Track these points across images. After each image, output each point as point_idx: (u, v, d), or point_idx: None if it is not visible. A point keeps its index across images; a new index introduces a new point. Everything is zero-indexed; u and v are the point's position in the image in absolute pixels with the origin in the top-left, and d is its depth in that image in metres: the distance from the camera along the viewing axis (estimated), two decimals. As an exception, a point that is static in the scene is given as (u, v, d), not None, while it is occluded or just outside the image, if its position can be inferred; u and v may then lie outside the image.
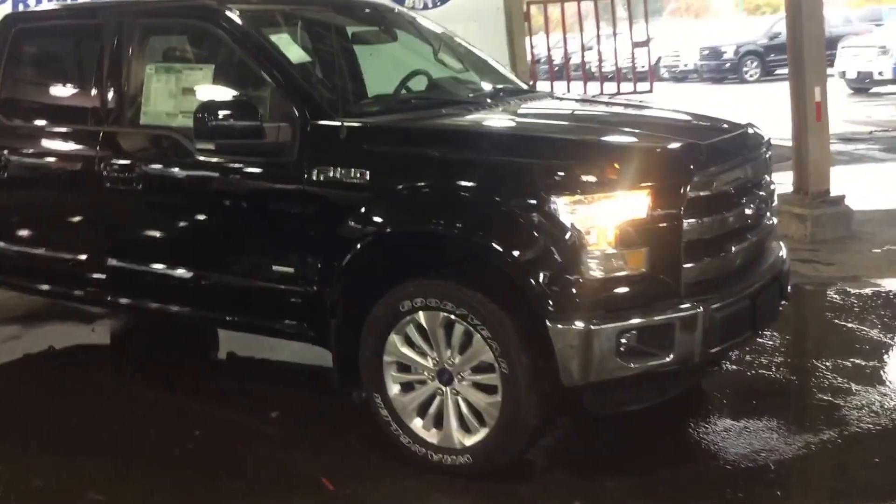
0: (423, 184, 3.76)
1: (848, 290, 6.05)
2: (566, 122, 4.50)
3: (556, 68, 15.12)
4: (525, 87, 5.28)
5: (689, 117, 4.65)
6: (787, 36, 7.76)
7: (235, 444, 4.28)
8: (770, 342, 5.15)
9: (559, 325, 3.48)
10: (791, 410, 4.39)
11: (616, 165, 3.58)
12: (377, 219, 3.81)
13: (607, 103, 4.83)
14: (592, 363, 3.50)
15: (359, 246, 3.83)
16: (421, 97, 4.59)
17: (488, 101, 4.65)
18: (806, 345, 5.20)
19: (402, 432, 3.90)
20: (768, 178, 4.32)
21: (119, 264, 4.66)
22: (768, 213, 4.28)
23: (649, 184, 3.54)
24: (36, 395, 5.01)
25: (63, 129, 4.88)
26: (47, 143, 4.93)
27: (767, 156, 4.35)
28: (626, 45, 13.68)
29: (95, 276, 4.76)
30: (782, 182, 8.21)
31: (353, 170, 3.86)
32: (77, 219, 4.86)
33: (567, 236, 3.48)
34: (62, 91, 5.02)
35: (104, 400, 4.89)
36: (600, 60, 13.52)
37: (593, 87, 13.23)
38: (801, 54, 7.32)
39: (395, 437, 3.91)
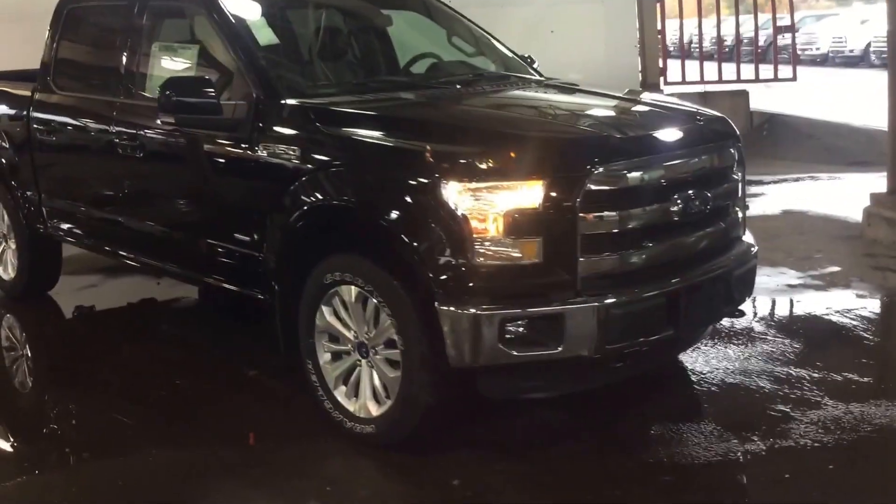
0: (337, 162, 3.93)
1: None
2: (498, 111, 4.46)
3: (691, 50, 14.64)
4: (529, 74, 5.27)
5: (649, 108, 4.52)
6: (888, 30, 7.24)
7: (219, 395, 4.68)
8: (767, 346, 4.97)
9: (445, 308, 3.56)
10: (737, 417, 4.24)
11: (509, 154, 3.61)
12: (303, 195, 4.00)
13: (590, 94, 4.74)
14: (475, 347, 3.55)
15: (292, 219, 4.05)
16: (382, 81, 4.73)
17: (457, 86, 4.71)
18: (803, 352, 4.94)
19: (327, 398, 4.10)
20: (730, 174, 4.18)
21: (124, 222, 5.14)
22: (727, 210, 4.15)
23: (543, 175, 3.54)
24: (104, 340, 5.62)
25: (93, 100, 5.37)
26: (82, 113, 5.42)
27: (731, 150, 4.21)
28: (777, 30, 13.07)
29: (111, 232, 5.27)
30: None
31: (287, 146, 4.09)
32: (102, 181, 5.36)
33: (457, 222, 3.54)
34: (96, 66, 5.52)
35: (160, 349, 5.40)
36: (738, 41, 12.92)
37: (729, 71, 12.67)
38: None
39: (321, 402, 4.12)
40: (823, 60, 25.99)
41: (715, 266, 4.02)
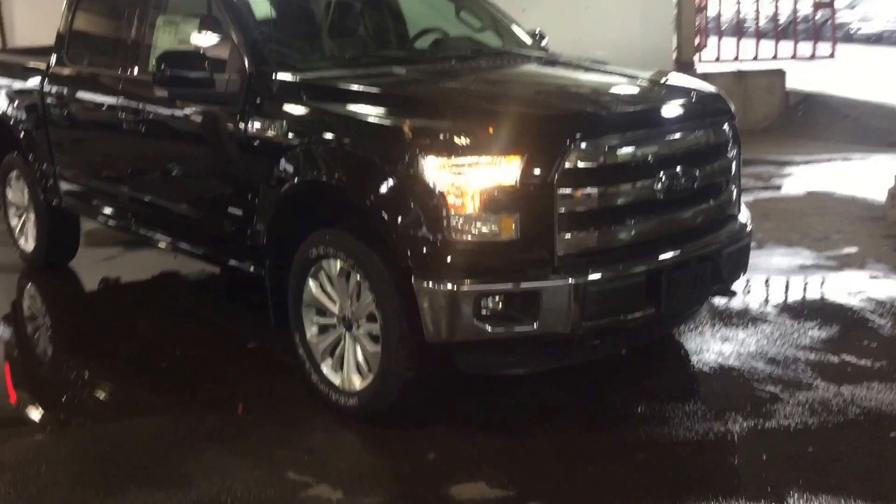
0: (321, 137, 3.95)
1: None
2: (484, 87, 4.41)
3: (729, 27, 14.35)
4: (533, 51, 5.23)
5: (642, 84, 4.46)
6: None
7: (217, 366, 4.76)
8: (768, 327, 4.93)
9: (422, 283, 3.58)
10: (724, 398, 4.21)
11: (485, 130, 3.60)
12: (290, 169, 4.03)
13: (588, 69, 4.69)
14: (451, 323, 3.57)
15: (280, 194, 4.10)
16: (377, 56, 4.73)
17: (452, 62, 4.70)
18: (804, 333, 4.87)
19: (314, 371, 4.15)
20: (722, 152, 4.13)
21: (129, 195, 5.25)
22: (717, 188, 4.10)
23: (519, 151, 3.54)
24: (118, 311, 5.75)
25: (101, 73, 5.45)
26: (90, 86, 5.50)
27: (723, 128, 4.15)
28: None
29: (117, 205, 5.37)
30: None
31: (275, 121, 4.13)
32: (109, 155, 5.45)
33: (434, 197, 3.55)
34: (105, 39, 5.59)
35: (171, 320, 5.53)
36: (776, 18, 12.65)
37: (766, 48, 12.42)
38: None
39: (308, 375, 4.17)
40: (878, 39, 25.32)
41: (702, 244, 3.98)
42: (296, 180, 4.02)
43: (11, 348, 5.27)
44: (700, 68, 11.80)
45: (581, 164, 3.59)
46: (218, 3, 4.56)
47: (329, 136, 3.93)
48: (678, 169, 3.85)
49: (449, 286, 3.55)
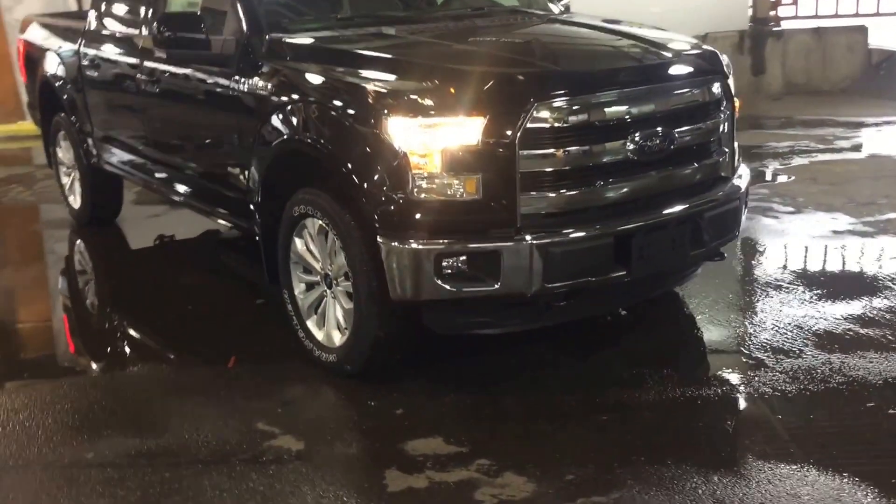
0: (301, 97, 4.02)
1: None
2: (461, 46, 4.32)
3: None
4: (543, 10, 5.18)
5: (630, 42, 4.35)
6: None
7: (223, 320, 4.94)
8: (780, 294, 4.81)
9: (386, 242, 3.64)
10: (708, 363, 4.15)
11: (448, 90, 3.61)
12: (274, 129, 4.12)
13: (585, 27, 4.60)
14: (413, 281, 3.62)
15: (269, 153, 4.19)
16: (372, 15, 4.74)
17: (447, 22, 4.69)
18: (813, 300, 4.73)
19: (300, 328, 4.26)
20: (710, 112, 4.03)
21: (148, 154, 5.46)
22: (702, 150, 4.01)
23: (481, 110, 3.53)
24: (152, 266, 6.03)
25: (123, 35, 5.63)
26: (115, 48, 5.69)
27: (710, 87, 4.05)
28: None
29: (140, 163, 5.58)
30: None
31: (264, 82, 4.21)
32: (131, 115, 5.64)
33: (398, 157, 3.59)
34: (132, 3, 5.74)
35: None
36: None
37: (848, 3, 11.83)
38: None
39: (295, 331, 4.29)
40: None
41: (682, 207, 3.90)
42: (279, 140, 4.11)
43: (37, 298, 5.57)
44: (776, 25, 11.38)
45: (543, 125, 3.57)
46: None
47: (306, 96, 4.00)
48: (654, 130, 3.77)
49: (411, 245, 3.59)
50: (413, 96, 3.63)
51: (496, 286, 3.60)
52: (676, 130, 3.84)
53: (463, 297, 3.65)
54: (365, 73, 3.87)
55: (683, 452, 3.41)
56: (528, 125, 3.54)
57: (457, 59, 3.97)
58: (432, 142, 3.55)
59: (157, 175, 5.47)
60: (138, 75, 5.26)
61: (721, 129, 4.10)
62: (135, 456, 3.56)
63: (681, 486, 3.20)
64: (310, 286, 4.24)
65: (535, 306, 3.85)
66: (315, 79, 4.03)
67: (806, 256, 5.52)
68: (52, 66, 6.56)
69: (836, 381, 3.88)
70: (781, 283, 4.99)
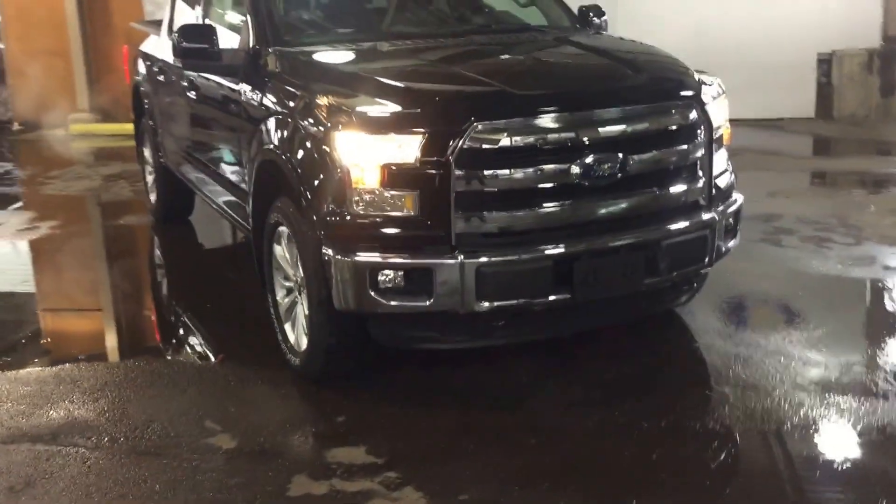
0: (280, 109, 4.19)
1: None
2: (425, 65, 4.35)
3: None
4: (559, 30, 5.17)
5: (604, 63, 4.30)
6: None
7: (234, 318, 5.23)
8: (793, 330, 4.60)
9: (328, 253, 3.76)
10: (667, 395, 4.02)
11: (389, 108, 3.68)
12: (259, 140, 4.31)
13: (578, 46, 4.57)
14: (351, 293, 3.72)
15: (257, 161, 4.39)
16: (369, 31, 4.84)
17: (443, 39, 4.74)
18: (826, 337, 4.48)
19: (279, 330, 4.43)
20: (675, 137, 3.93)
21: (186, 158, 5.78)
22: (669, 175, 3.91)
23: (419, 129, 3.59)
24: (198, 264, 6.43)
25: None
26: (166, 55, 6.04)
27: (675, 112, 3.93)
28: None
29: (184, 167, 5.95)
30: None
31: (260, 93, 4.41)
32: (177, 119, 6.04)
33: (340, 172, 3.70)
34: (187, 10, 6.08)
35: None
36: None
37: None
38: None
39: (276, 334, 4.47)
40: None
41: (635, 233, 3.82)
42: (262, 148, 4.29)
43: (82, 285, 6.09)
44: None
45: (480, 146, 3.59)
46: None
47: (284, 108, 4.17)
48: (602, 156, 3.71)
49: (349, 257, 3.69)
50: (357, 112, 3.72)
51: (428, 302, 3.65)
52: (629, 157, 3.77)
53: (396, 311, 3.72)
54: (326, 87, 4.01)
55: (592, 482, 3.36)
56: (465, 145, 3.56)
57: (410, 77, 4.02)
58: (373, 158, 3.64)
59: (190, 175, 5.82)
60: (177, 82, 5.60)
61: (691, 155, 3.97)
62: (74, 435, 3.82)
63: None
64: (288, 291, 4.41)
65: (480, 324, 3.86)
66: (291, 91, 4.19)
67: (838, 288, 5.23)
68: (138, 71, 7.05)
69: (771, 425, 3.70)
70: (796, 320, 4.76)
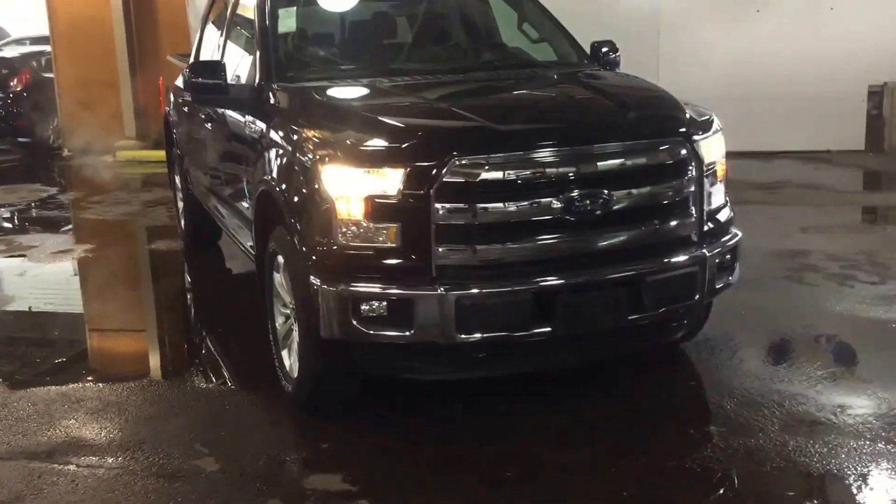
0: (278, 142, 4.29)
1: None
2: (414, 101, 4.41)
3: None
4: (563, 66, 5.21)
5: (591, 98, 4.33)
6: None
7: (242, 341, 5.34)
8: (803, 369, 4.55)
9: (314, 282, 3.83)
10: (661, 434, 3.99)
11: (371, 142, 3.75)
12: (262, 168, 4.41)
13: (575, 83, 4.62)
14: (336, 322, 3.77)
15: (258, 192, 4.50)
16: (371, 67, 4.92)
17: (441, 75, 4.82)
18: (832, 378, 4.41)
19: (277, 357, 4.51)
20: (663, 174, 3.93)
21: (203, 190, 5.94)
22: (657, 211, 3.92)
23: (400, 163, 3.65)
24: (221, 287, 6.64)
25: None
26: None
27: (664, 149, 3.94)
28: None
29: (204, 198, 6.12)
30: None
31: (263, 127, 4.52)
32: (196, 149, 6.23)
33: (326, 203, 3.78)
34: (209, 46, 6.27)
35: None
36: None
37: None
38: None
39: (275, 359, 4.55)
40: None
41: (619, 268, 3.82)
42: (261, 178, 4.40)
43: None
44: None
45: (461, 180, 3.63)
46: (255, 24, 5.03)
47: (280, 140, 4.28)
48: (586, 192, 3.73)
49: (333, 287, 3.76)
50: (343, 146, 3.81)
51: (409, 333, 3.70)
52: (613, 192, 3.78)
53: (378, 341, 3.77)
54: (317, 121, 4.11)
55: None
56: (446, 179, 3.62)
57: (397, 113, 4.09)
58: (357, 190, 3.71)
59: (209, 203, 5.98)
60: (196, 114, 5.77)
61: (679, 192, 3.96)
62: (69, 454, 3.93)
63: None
64: (286, 318, 4.49)
65: (463, 356, 3.89)
66: (287, 125, 4.29)
67: (837, 331, 5.14)
68: (169, 101, 7.28)
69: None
70: (807, 364, 4.67)
